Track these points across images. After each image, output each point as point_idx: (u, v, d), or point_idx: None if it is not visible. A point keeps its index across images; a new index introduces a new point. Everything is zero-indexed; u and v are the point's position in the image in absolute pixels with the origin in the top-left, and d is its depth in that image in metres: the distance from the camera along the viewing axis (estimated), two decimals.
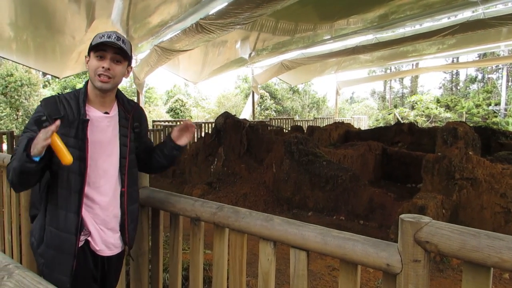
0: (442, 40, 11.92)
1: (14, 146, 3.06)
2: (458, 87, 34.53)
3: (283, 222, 1.57)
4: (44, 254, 1.81)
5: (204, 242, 2.04)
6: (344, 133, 10.72)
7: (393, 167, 7.97)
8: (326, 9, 9.39)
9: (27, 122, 1.87)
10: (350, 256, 1.36)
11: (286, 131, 10.95)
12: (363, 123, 21.58)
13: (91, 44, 1.83)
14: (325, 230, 1.46)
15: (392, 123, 17.39)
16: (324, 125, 13.21)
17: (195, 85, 17.34)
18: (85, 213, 1.83)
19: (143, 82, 12.21)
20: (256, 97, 17.72)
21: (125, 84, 25.48)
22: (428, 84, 57.73)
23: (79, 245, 1.81)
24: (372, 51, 13.13)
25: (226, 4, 7.41)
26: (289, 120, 18.32)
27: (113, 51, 1.80)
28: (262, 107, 26.08)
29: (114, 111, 1.95)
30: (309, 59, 14.03)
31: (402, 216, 1.25)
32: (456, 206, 4.77)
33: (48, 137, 1.50)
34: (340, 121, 14.69)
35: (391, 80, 34.31)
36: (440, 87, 36.57)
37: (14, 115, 17.72)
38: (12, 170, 1.63)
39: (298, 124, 13.82)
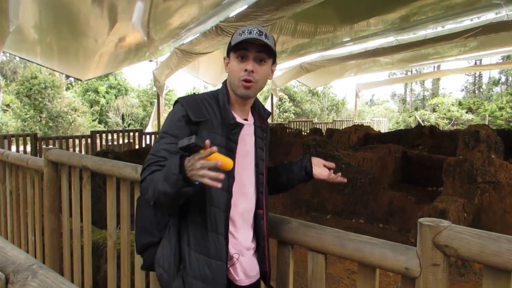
0: (464, 42, 11.72)
1: (47, 148, 2.94)
2: (481, 90, 33.91)
3: (301, 225, 1.58)
4: None
5: None
6: (364, 136, 10.66)
7: (413, 170, 7.89)
8: (346, 10, 9.33)
9: (164, 126, 1.51)
10: (368, 260, 1.36)
11: (305, 133, 10.93)
12: (383, 126, 21.37)
13: (229, 43, 1.55)
14: (342, 233, 1.46)
15: (413, 125, 17.18)
16: (343, 127, 13.15)
17: (215, 87, 17.43)
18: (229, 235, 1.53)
19: (163, 84, 12.33)
20: (275, 99, 17.72)
21: (146, 87, 25.81)
22: (450, 86, 56.94)
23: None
24: (392, 53, 12.99)
25: (246, 6, 7.44)
26: (308, 122, 18.28)
27: (256, 49, 1.49)
28: (281, 109, 26.07)
29: (251, 118, 1.66)
30: (329, 61, 13.97)
31: (421, 219, 1.24)
32: (478, 210, 4.69)
33: (206, 166, 1.20)
34: (360, 123, 14.58)
35: (412, 83, 33.88)
36: (463, 90, 36.00)
37: (38, 117, 18.07)
38: (163, 195, 1.29)
39: (317, 127, 13.78)
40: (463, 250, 1.15)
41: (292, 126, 14.74)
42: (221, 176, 1.21)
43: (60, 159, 2.80)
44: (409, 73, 23.83)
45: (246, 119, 1.61)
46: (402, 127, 21.62)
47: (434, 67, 25.56)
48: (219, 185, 1.21)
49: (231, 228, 1.52)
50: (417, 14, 9.40)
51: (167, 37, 9.60)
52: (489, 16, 10.08)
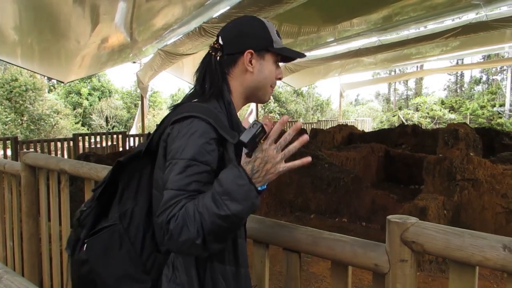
0: (446, 42, 11.90)
1: (24, 152, 2.87)
2: (463, 89, 34.43)
3: (275, 224, 1.59)
4: None
5: None
6: (348, 136, 10.74)
7: (396, 168, 7.98)
8: (329, 11, 9.38)
9: (190, 150, 1.09)
10: (340, 257, 1.38)
11: None
12: (367, 125, 21.55)
13: (256, 38, 1.28)
14: (315, 232, 1.48)
15: (397, 125, 17.38)
16: (328, 127, 13.23)
17: None
18: None
19: (147, 86, 12.26)
20: None
21: (130, 88, 25.62)
22: (432, 85, 57.66)
23: None
24: (375, 54, 13.12)
25: (228, 7, 7.45)
26: (293, 123, 18.33)
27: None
28: (266, 110, 26.12)
29: None
30: (313, 61, 14.04)
31: (389, 217, 1.27)
32: (457, 207, 4.77)
33: (293, 149, 1.04)
34: (344, 123, 14.69)
35: (395, 82, 34.24)
36: (445, 89, 36.50)
37: (19, 120, 17.79)
38: (232, 218, 1.00)
39: (302, 127, 13.80)
40: (429, 246, 1.17)
41: None
42: (308, 159, 1.04)
43: (38, 162, 2.77)
44: (393, 73, 24.09)
45: None
46: (386, 127, 21.82)
47: (417, 66, 25.87)
48: (309, 159, 1.05)
49: None
50: (399, 14, 9.50)
51: (151, 38, 9.55)
52: (470, 16, 10.24)
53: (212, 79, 1.26)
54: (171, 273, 1.17)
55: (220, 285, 1.16)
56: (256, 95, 1.34)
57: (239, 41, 1.27)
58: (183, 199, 1.03)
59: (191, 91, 1.32)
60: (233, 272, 1.20)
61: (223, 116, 1.20)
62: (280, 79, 1.34)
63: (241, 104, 1.34)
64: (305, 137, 1.02)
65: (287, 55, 1.32)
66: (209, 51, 1.32)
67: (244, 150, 1.04)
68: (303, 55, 1.40)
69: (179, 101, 1.33)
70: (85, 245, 1.23)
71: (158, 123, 1.27)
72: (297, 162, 1.03)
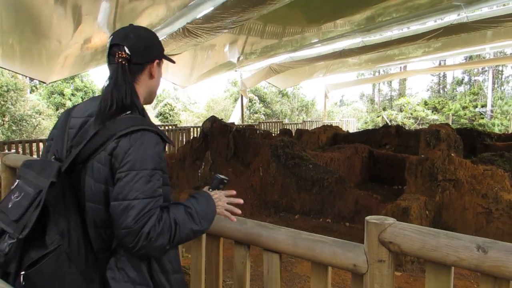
0: (428, 43, 12.04)
1: (4, 153, 2.85)
2: (445, 90, 34.89)
3: (256, 225, 1.60)
4: None
5: (185, 246, 2.05)
6: (333, 136, 10.80)
7: (379, 169, 8.05)
8: (313, 12, 9.43)
9: (149, 161, 1.27)
10: (319, 258, 1.39)
11: (275, 134, 10.99)
12: (352, 126, 21.70)
13: (158, 46, 1.51)
14: (295, 232, 1.49)
15: (381, 125, 17.56)
16: (312, 128, 13.28)
17: (184, 89, 17.31)
18: None
19: None
20: (245, 100, 17.75)
21: None
22: (416, 86, 58.23)
23: None
24: (359, 54, 13.22)
25: (212, 8, 7.42)
26: (278, 123, 18.38)
27: None
28: (251, 110, 26.11)
29: None
30: (297, 62, 14.09)
31: (367, 218, 1.28)
32: (439, 207, 4.83)
33: (233, 203, 1.40)
34: (329, 124, 14.77)
35: (379, 83, 34.53)
36: (428, 90, 36.91)
37: (0, 121, 17.50)
38: (198, 233, 1.33)
39: (287, 128, 13.86)
40: (405, 246, 1.19)
41: (262, 127, 14.77)
42: (239, 211, 1.43)
43: (18, 164, 2.74)
44: (377, 74, 24.30)
45: None
46: (370, 127, 21.98)
47: (400, 67, 26.12)
48: (234, 219, 1.44)
49: None
50: (382, 15, 9.59)
51: None
52: (451, 18, 10.37)
53: (124, 88, 1.35)
54: (118, 274, 1.30)
55: (168, 267, 1.37)
56: (151, 97, 1.51)
57: (148, 52, 1.44)
58: (155, 208, 1.23)
59: (101, 103, 1.35)
60: (175, 253, 1.44)
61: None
62: None
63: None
64: (239, 200, 1.47)
65: (167, 60, 1.55)
66: (117, 60, 1.37)
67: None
68: (173, 61, 1.62)
69: (90, 118, 1.37)
70: (22, 277, 1.23)
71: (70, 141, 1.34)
72: (227, 214, 1.43)
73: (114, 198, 1.23)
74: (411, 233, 1.18)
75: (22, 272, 1.22)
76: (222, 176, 1.46)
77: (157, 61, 1.46)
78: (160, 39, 1.53)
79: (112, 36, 1.42)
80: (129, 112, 1.34)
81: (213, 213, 1.35)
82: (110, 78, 1.37)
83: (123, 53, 1.36)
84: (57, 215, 1.25)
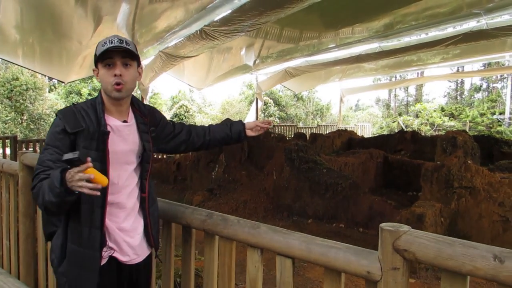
0: (446, 50, 11.90)
1: (22, 152, 2.98)
2: (463, 96, 34.44)
3: (269, 230, 1.60)
4: (66, 273, 1.73)
5: (199, 249, 2.06)
6: (347, 141, 10.74)
7: (394, 175, 7.97)
8: (331, 17, 9.40)
9: (46, 137, 1.73)
10: (333, 264, 1.39)
11: (289, 138, 10.97)
12: (367, 131, 21.55)
13: (95, 55, 1.74)
14: (309, 238, 1.48)
15: (396, 131, 17.40)
16: (327, 132, 13.22)
17: (200, 91, 17.41)
18: (109, 224, 1.78)
19: (148, 87, 12.27)
20: (260, 103, 17.75)
21: None
22: (433, 92, 57.49)
23: (103, 262, 1.76)
24: (376, 60, 13.12)
25: (230, 11, 7.45)
26: (293, 127, 18.35)
27: (120, 55, 1.72)
28: (266, 113, 26.14)
29: (132, 119, 1.88)
30: (313, 66, 14.04)
31: (382, 224, 1.28)
32: (454, 215, 4.77)
33: (84, 178, 1.41)
34: (344, 128, 14.70)
35: (396, 88, 34.26)
36: (445, 96, 36.48)
37: (19, 119, 17.79)
38: (49, 203, 1.51)
39: (301, 131, 13.83)
40: (420, 254, 1.18)
41: (276, 131, 14.75)
42: (98, 186, 1.43)
43: (35, 163, 2.78)
44: (393, 79, 24.09)
45: (125, 121, 1.84)
46: (385, 132, 21.82)
47: (417, 73, 25.88)
48: (97, 193, 1.44)
49: (115, 215, 1.79)
50: (400, 22, 9.50)
51: (152, 40, 9.56)
52: (471, 24, 10.24)
53: None
54: (61, 224, 1.78)
55: (69, 236, 1.72)
56: (107, 94, 1.77)
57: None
58: (41, 174, 1.60)
59: None
60: (77, 228, 1.71)
61: (89, 111, 1.73)
62: (116, 75, 1.71)
63: (111, 101, 1.79)
64: (89, 176, 1.44)
65: (100, 54, 1.71)
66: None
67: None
68: (109, 47, 1.71)
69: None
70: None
71: None
72: (85, 191, 1.43)
73: None
74: (426, 241, 1.17)
75: None
76: (67, 157, 1.43)
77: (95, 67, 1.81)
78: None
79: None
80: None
81: (56, 188, 1.44)
82: None
83: None
84: None
